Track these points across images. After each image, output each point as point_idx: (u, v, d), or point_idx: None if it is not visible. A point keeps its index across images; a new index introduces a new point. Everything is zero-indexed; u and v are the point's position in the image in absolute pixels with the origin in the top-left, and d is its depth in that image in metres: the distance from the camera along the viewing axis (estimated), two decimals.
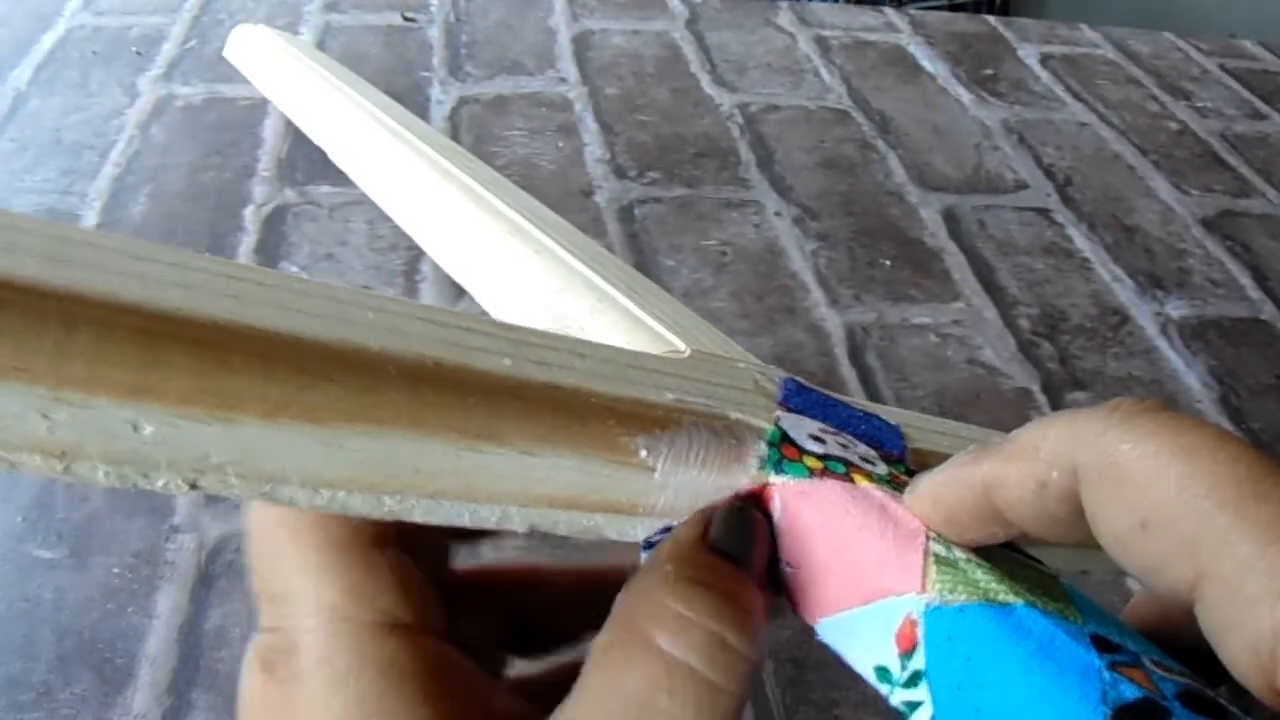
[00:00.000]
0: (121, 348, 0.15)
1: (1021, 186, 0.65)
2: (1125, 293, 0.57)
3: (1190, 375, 0.51)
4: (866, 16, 0.85)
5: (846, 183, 0.63)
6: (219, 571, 0.36)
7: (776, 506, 0.21)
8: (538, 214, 0.33)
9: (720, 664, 0.17)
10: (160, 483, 0.16)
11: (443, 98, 0.66)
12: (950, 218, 0.61)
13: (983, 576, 0.19)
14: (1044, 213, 0.63)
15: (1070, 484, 0.16)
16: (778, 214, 0.59)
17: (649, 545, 0.21)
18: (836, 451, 0.22)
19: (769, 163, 0.64)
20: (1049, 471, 0.16)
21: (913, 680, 0.19)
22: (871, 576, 0.20)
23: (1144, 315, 0.55)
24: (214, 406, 0.16)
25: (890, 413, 0.27)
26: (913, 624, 0.19)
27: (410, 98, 0.66)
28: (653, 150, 0.64)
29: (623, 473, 0.20)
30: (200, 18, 0.73)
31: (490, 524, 0.19)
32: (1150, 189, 0.67)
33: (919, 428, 0.27)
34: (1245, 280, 0.59)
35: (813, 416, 0.23)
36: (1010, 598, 0.19)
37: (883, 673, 0.19)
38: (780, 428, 0.22)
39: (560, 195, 0.58)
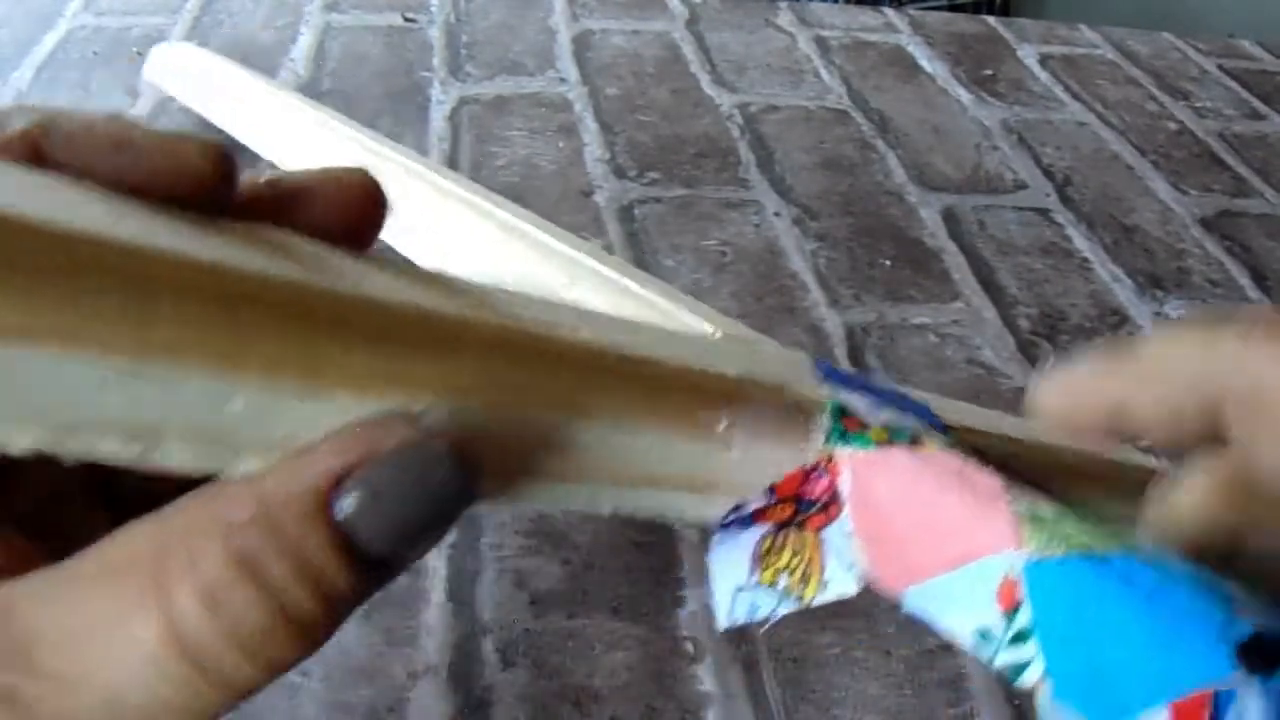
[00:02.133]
0: (209, 310, 0.13)
1: (1021, 186, 0.65)
2: (1124, 292, 0.57)
3: None
4: (866, 17, 0.85)
5: (846, 183, 0.63)
6: None
7: (846, 479, 0.21)
8: (494, 200, 0.33)
9: (230, 666, 0.13)
10: (244, 467, 0.14)
11: (443, 98, 0.66)
12: (950, 218, 0.61)
13: (1073, 529, 0.19)
14: (1043, 213, 0.63)
15: (1209, 409, 0.15)
16: (777, 214, 0.59)
17: (722, 526, 0.21)
18: (896, 421, 0.22)
19: (769, 163, 0.64)
20: (1186, 399, 0.15)
21: (1019, 639, 0.18)
22: (960, 539, 0.19)
23: (1143, 315, 0.55)
24: (306, 377, 0.14)
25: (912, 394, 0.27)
26: (1013, 582, 0.18)
27: (410, 98, 0.66)
28: (653, 150, 0.64)
29: (703, 447, 0.19)
30: (201, 18, 0.73)
31: (578, 506, 0.18)
32: (1149, 189, 0.67)
33: (941, 409, 0.26)
34: (1244, 280, 0.59)
35: (855, 391, 0.23)
36: (1106, 547, 0.19)
37: (984, 635, 0.19)
38: (837, 400, 0.22)
39: (560, 195, 0.59)
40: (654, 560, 0.39)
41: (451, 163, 0.60)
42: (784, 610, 0.22)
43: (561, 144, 0.63)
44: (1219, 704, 0.16)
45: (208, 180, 0.16)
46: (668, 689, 0.35)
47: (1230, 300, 0.57)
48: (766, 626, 0.22)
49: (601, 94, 0.69)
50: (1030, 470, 0.23)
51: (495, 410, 0.16)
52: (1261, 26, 1.27)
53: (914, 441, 0.22)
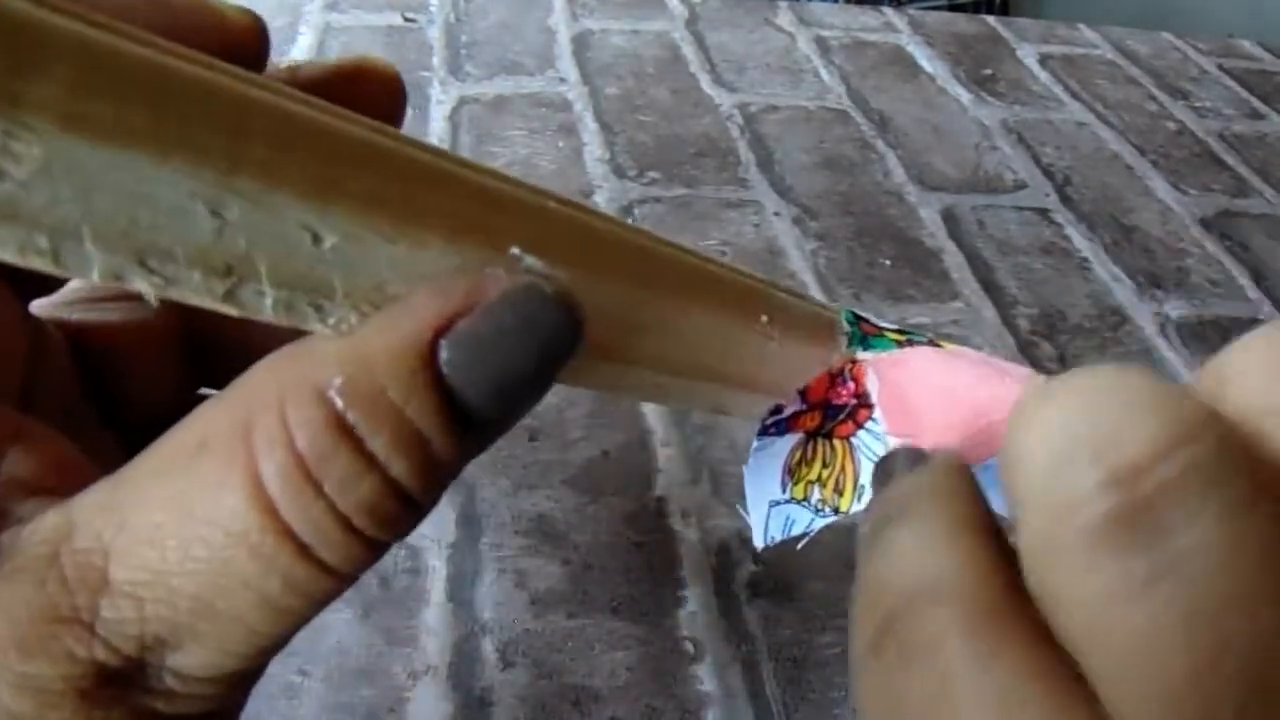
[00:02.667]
0: (304, 137, 0.13)
1: (1020, 186, 0.65)
2: (1124, 292, 0.57)
3: (1189, 375, 0.51)
4: (866, 16, 0.85)
5: (846, 182, 0.63)
6: None
7: (871, 381, 0.21)
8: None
9: (334, 543, 0.12)
10: (333, 319, 0.13)
11: (443, 98, 0.66)
12: (949, 217, 0.61)
13: None
14: (1043, 212, 0.63)
15: None
16: (777, 214, 0.59)
17: (762, 431, 0.21)
18: (909, 327, 0.22)
19: (769, 162, 0.64)
20: None
21: None
22: (998, 425, 0.19)
23: (1143, 315, 0.55)
24: (401, 218, 0.13)
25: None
26: None
27: (410, 98, 0.66)
28: (653, 150, 0.64)
29: (751, 337, 0.20)
30: None
31: (646, 394, 0.19)
32: (1149, 189, 0.67)
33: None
34: (1244, 280, 0.59)
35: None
36: None
37: None
38: (852, 310, 0.22)
39: None
40: (654, 560, 0.39)
41: None
42: (820, 524, 0.21)
43: (561, 144, 0.63)
44: None
45: (250, 42, 0.16)
46: (668, 689, 0.35)
47: (1230, 300, 0.57)
48: (804, 543, 0.22)
49: (601, 94, 0.69)
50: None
51: (575, 280, 0.16)
52: (1261, 26, 1.27)
53: (931, 342, 0.22)
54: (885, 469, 0.16)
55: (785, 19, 0.83)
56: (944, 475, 0.14)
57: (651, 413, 0.44)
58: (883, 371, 0.21)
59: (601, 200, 0.58)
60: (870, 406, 0.21)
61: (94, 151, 0.11)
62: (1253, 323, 0.56)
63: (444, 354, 0.13)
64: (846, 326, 0.22)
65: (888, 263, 0.56)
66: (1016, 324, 0.53)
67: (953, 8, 1.86)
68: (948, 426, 0.20)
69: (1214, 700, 0.09)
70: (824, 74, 0.75)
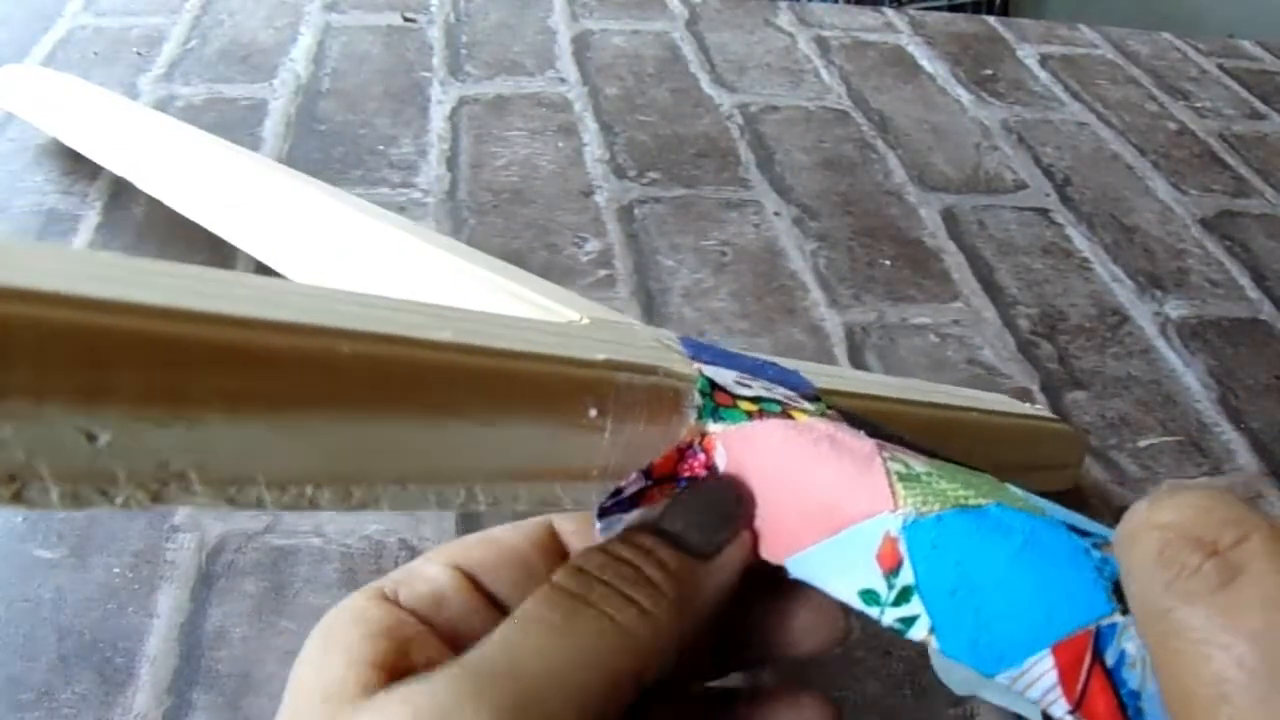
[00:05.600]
0: (69, 345, 0.13)
1: (1021, 186, 0.65)
2: (1124, 292, 0.57)
3: (1189, 375, 0.51)
4: (866, 17, 0.85)
5: (846, 183, 0.63)
6: (219, 571, 0.36)
7: (720, 454, 0.21)
8: (355, 203, 0.33)
9: (635, 624, 0.19)
10: (120, 499, 0.14)
11: (443, 98, 0.66)
12: (950, 218, 0.61)
13: (948, 486, 0.19)
14: (1043, 213, 0.63)
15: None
16: (777, 214, 0.59)
17: (603, 513, 0.21)
18: (765, 394, 0.22)
19: (769, 163, 0.64)
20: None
21: (903, 596, 0.18)
22: (837, 505, 0.19)
23: (1143, 315, 0.55)
24: (173, 404, 0.14)
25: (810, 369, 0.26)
26: (893, 541, 0.19)
27: (410, 98, 0.66)
28: (653, 150, 0.64)
29: (575, 435, 0.19)
30: (201, 18, 0.73)
31: (455, 505, 0.18)
32: (1149, 189, 0.67)
33: (812, 373, 0.26)
34: (1244, 280, 0.59)
35: (725, 366, 0.23)
36: (981, 500, 0.19)
37: (869, 596, 0.19)
38: (706, 376, 0.22)
39: (560, 195, 0.59)
40: None
41: (451, 163, 0.60)
42: None
43: (561, 144, 0.63)
44: (1100, 639, 0.17)
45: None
46: None
47: (1230, 300, 0.57)
48: None
49: (601, 94, 0.69)
50: (901, 427, 0.23)
51: (364, 419, 0.16)
52: (1261, 26, 1.27)
53: (785, 413, 0.22)
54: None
55: (785, 19, 0.83)
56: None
57: None
58: (730, 445, 0.21)
59: (601, 200, 0.58)
60: (718, 479, 0.21)
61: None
62: (1252, 322, 0.56)
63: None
64: (699, 399, 0.21)
65: (888, 263, 0.56)
66: (1016, 324, 0.53)
67: (953, 8, 1.86)
68: (788, 503, 0.20)
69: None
70: (824, 74, 0.75)
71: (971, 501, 0.19)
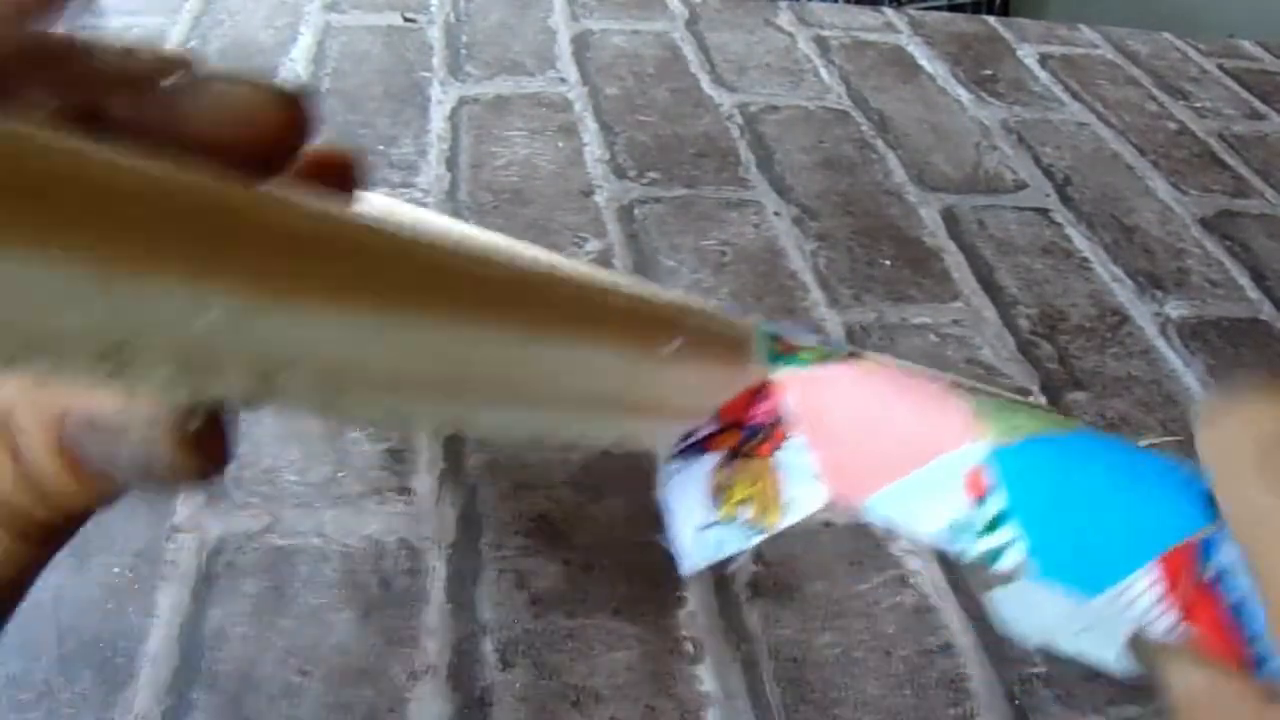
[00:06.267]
0: (183, 217, 0.13)
1: (1021, 186, 0.65)
2: (1124, 292, 0.57)
3: (1189, 375, 0.51)
4: (866, 16, 0.85)
5: (846, 182, 0.63)
6: (219, 571, 0.36)
7: (789, 399, 0.21)
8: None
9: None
10: (222, 389, 0.14)
11: (443, 98, 0.66)
12: (949, 217, 0.61)
13: (1026, 419, 0.19)
14: (1043, 212, 0.63)
15: None
16: (777, 214, 0.59)
17: (678, 454, 0.21)
18: (826, 343, 0.22)
19: (769, 163, 0.64)
20: None
21: (994, 524, 0.18)
22: (917, 441, 0.19)
23: (1143, 315, 0.55)
24: (283, 287, 0.14)
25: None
26: (979, 469, 0.19)
27: (410, 98, 0.66)
28: (653, 150, 0.64)
29: (656, 368, 0.20)
30: (201, 18, 0.73)
31: (539, 432, 0.18)
32: (1149, 189, 0.67)
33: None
34: (1244, 280, 0.59)
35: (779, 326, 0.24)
36: (1064, 429, 0.19)
37: (958, 528, 0.19)
38: (767, 328, 0.22)
39: (560, 195, 0.59)
40: (654, 560, 0.39)
41: (451, 163, 0.60)
42: (750, 544, 0.22)
43: (561, 144, 0.63)
44: (1202, 550, 0.17)
45: (281, 139, 0.16)
46: (668, 689, 0.35)
47: (1230, 300, 0.57)
48: (735, 564, 0.23)
49: (601, 94, 0.69)
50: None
51: (451, 329, 0.16)
52: (1261, 26, 1.27)
53: (850, 357, 0.22)
54: None
55: (785, 19, 0.83)
56: None
57: None
58: (799, 389, 0.21)
59: (601, 200, 0.58)
60: (787, 425, 0.21)
61: None
62: (1252, 322, 0.56)
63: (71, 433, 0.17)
64: (762, 345, 0.22)
65: (888, 263, 0.56)
66: (1017, 324, 0.53)
67: (953, 8, 1.86)
68: (864, 443, 0.20)
69: None
70: (824, 74, 0.75)
71: (1054, 430, 0.19)
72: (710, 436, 0.21)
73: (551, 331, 0.18)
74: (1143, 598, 0.17)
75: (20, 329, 0.12)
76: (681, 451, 0.21)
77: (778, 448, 0.21)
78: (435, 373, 0.17)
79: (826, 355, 0.22)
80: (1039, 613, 0.18)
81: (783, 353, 0.22)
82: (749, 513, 0.22)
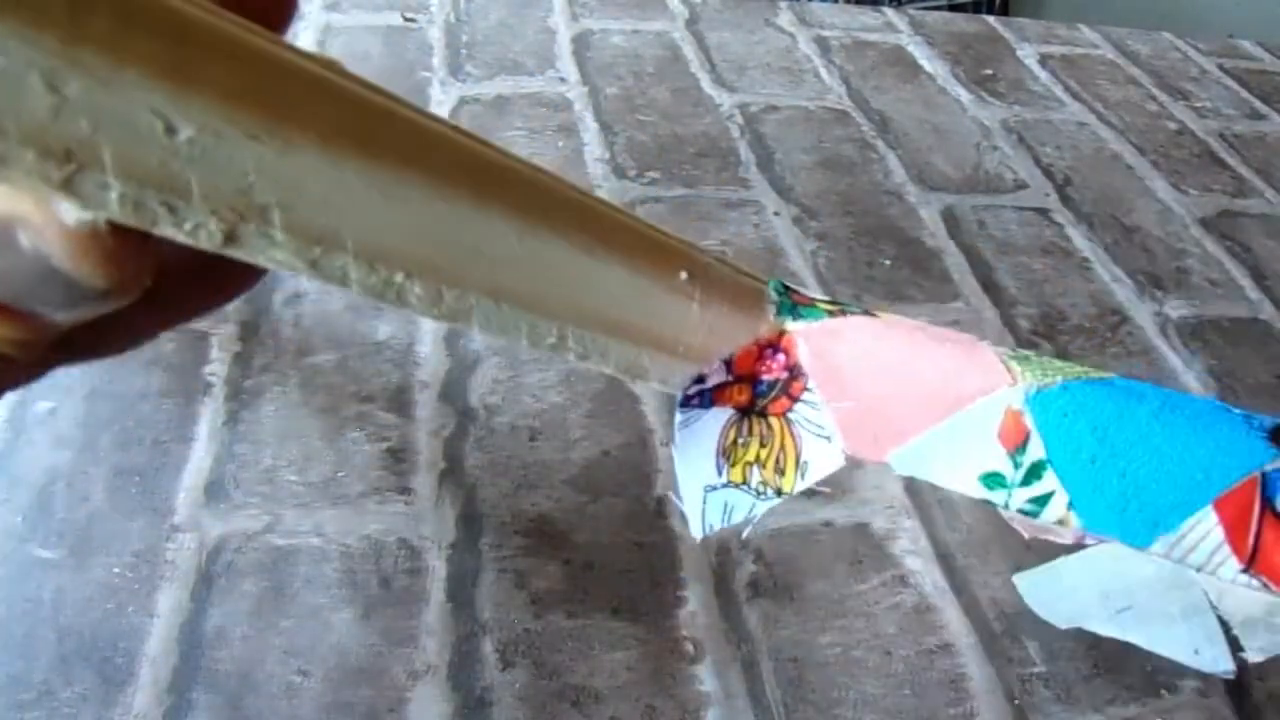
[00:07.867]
0: (160, 8, 0.11)
1: (1021, 186, 0.65)
2: (1124, 292, 0.57)
3: (1189, 375, 0.51)
4: (866, 16, 0.85)
5: (846, 182, 0.63)
6: (219, 571, 0.36)
7: (804, 353, 0.20)
8: None
9: None
10: (189, 224, 0.12)
11: (443, 98, 0.66)
12: (949, 217, 0.61)
13: (1061, 364, 0.18)
14: (1043, 212, 0.63)
15: None
16: (777, 213, 0.59)
17: (683, 404, 0.20)
18: (842, 297, 0.22)
19: (769, 162, 0.64)
20: None
21: (1033, 473, 0.17)
22: (945, 390, 0.18)
23: (1143, 315, 0.55)
24: (266, 115, 0.12)
25: None
26: (1016, 414, 0.17)
27: (410, 98, 0.66)
28: (653, 150, 0.64)
29: (666, 296, 0.19)
30: None
31: (545, 344, 0.17)
32: (1149, 189, 0.67)
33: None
34: (1244, 280, 0.59)
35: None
36: (1102, 373, 0.18)
37: (992, 479, 0.18)
38: (781, 281, 0.21)
39: None
40: (654, 560, 0.39)
41: None
42: (762, 509, 0.20)
43: (561, 144, 0.63)
44: (1268, 485, 0.16)
45: None
46: (668, 689, 0.35)
47: (1230, 300, 0.57)
48: (747, 530, 0.21)
49: (601, 94, 0.69)
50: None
51: (461, 204, 0.16)
52: (1261, 26, 1.27)
53: (868, 312, 0.21)
54: None
55: (785, 19, 0.83)
56: None
57: (652, 413, 0.44)
58: (815, 342, 0.20)
59: None
60: (804, 378, 0.20)
61: None
62: (1252, 322, 0.56)
63: None
64: (775, 296, 0.21)
65: (888, 263, 0.56)
66: (1017, 324, 0.53)
67: (953, 8, 1.85)
68: (886, 395, 0.19)
69: None
70: (824, 74, 0.75)
71: (1093, 374, 0.18)
72: (720, 388, 0.20)
73: (558, 231, 0.17)
74: (1201, 545, 0.15)
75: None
76: (690, 399, 0.20)
77: (791, 406, 0.20)
78: (433, 250, 0.15)
79: (843, 308, 0.21)
80: (1072, 595, 0.17)
81: (798, 304, 0.21)
82: (760, 474, 0.20)
